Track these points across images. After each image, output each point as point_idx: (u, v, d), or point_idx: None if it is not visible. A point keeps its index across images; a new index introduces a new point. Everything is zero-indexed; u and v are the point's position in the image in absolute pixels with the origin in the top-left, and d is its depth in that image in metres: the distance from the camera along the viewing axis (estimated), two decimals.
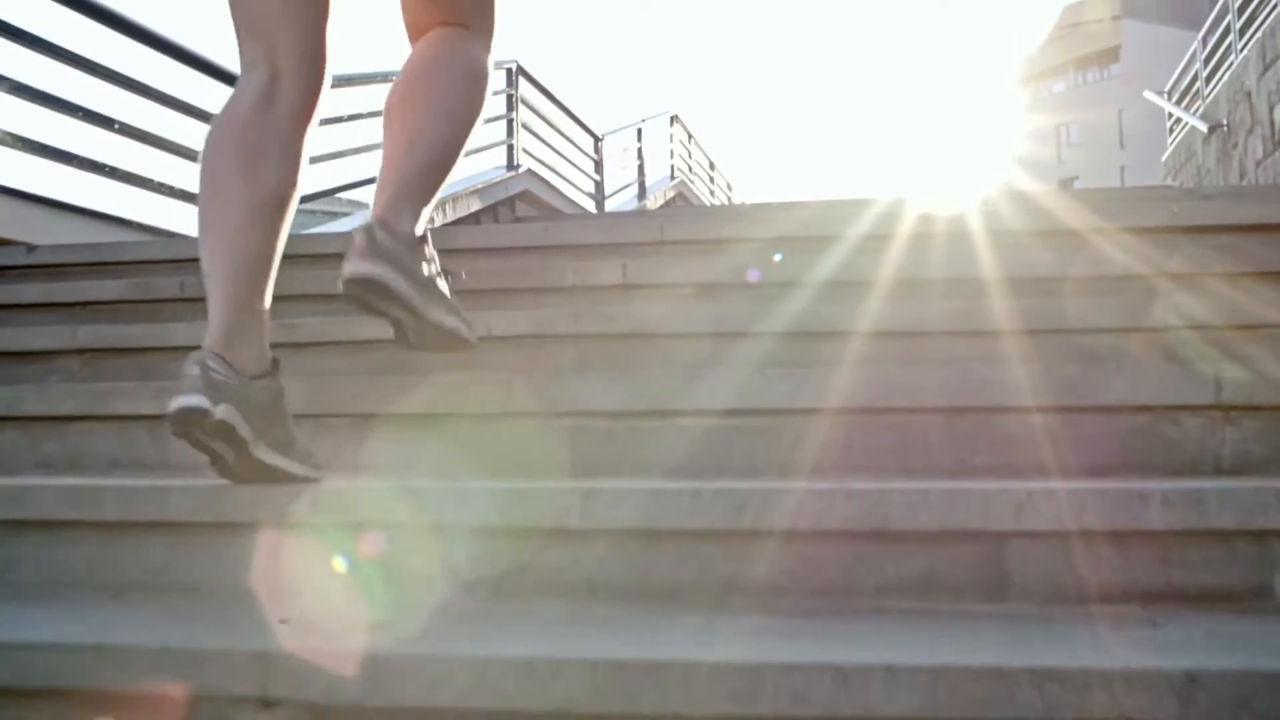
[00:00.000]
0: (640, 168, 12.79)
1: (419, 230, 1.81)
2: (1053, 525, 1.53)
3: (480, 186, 7.86)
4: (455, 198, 7.20)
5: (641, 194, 12.69)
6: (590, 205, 11.00)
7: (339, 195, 6.68)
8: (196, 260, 1.79)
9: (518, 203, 8.73)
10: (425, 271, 1.80)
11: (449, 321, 1.85)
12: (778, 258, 3.41)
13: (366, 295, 1.72)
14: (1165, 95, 13.33)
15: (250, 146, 1.76)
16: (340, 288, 1.72)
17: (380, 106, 1.92)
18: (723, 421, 2.20)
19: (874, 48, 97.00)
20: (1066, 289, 3.01)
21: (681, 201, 14.43)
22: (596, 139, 11.36)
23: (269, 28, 1.80)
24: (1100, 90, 50.59)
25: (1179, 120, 12.70)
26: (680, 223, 4.33)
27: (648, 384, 2.30)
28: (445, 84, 1.87)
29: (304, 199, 1.92)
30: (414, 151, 1.81)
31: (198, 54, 5.62)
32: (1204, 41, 11.20)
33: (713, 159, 17.17)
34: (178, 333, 3.01)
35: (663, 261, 3.68)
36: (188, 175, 5.51)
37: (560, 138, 10.30)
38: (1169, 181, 13.15)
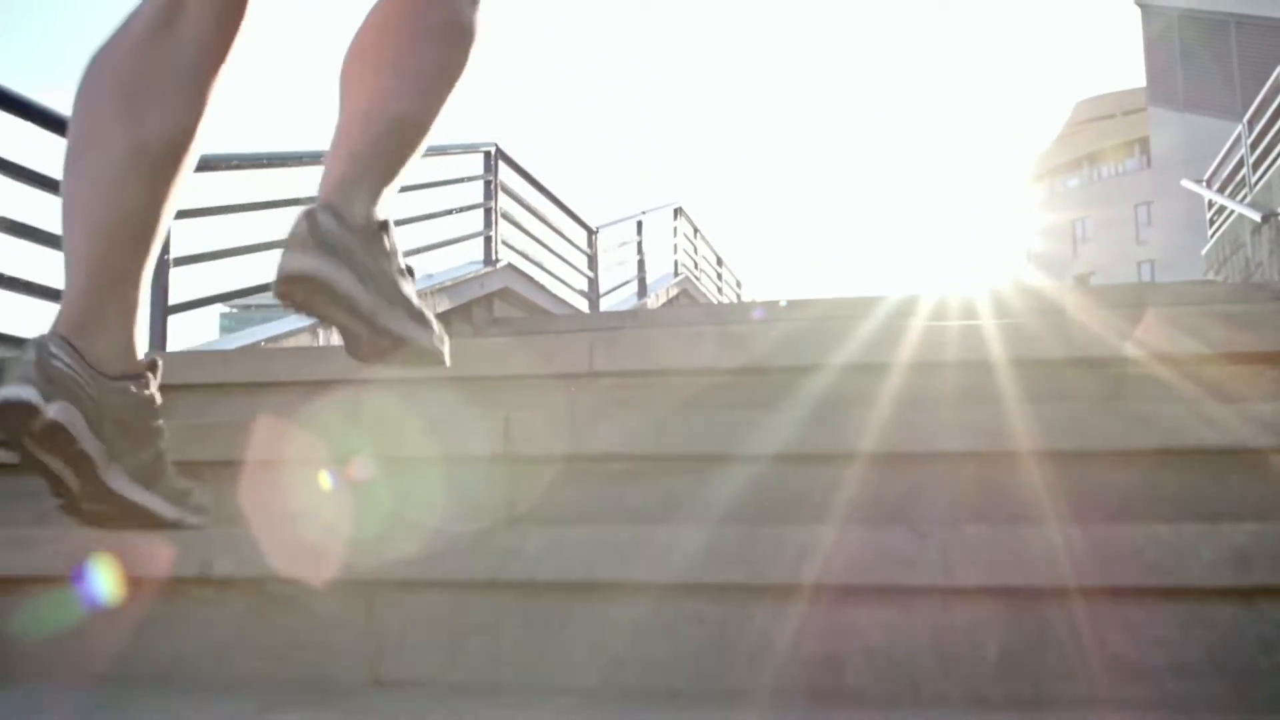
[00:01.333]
0: (640, 263, 11.87)
1: (377, 216, 1.43)
2: None
3: (449, 283, 6.91)
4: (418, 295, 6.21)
5: (642, 291, 11.75)
6: (584, 304, 10.05)
7: None
8: None
9: (496, 301, 7.78)
10: (383, 267, 1.42)
11: (411, 330, 1.46)
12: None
13: (307, 297, 1.35)
14: (1204, 184, 12.43)
15: (134, 77, 1.43)
16: (273, 288, 1.35)
17: None
18: None
19: (886, 144, 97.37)
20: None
21: (686, 299, 13.50)
22: (590, 231, 10.44)
23: None
24: (1116, 185, 50.56)
25: (1221, 210, 11.81)
26: (623, 346, 2.66)
27: None
28: (416, 34, 1.45)
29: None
30: (374, 118, 1.42)
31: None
32: (1249, 125, 10.33)
33: (720, 254, 16.27)
34: None
35: (590, 404, 2.54)
36: None
37: (548, 230, 9.37)
38: (1211, 276, 12.27)
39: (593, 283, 10.39)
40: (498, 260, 7.93)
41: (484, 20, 1.51)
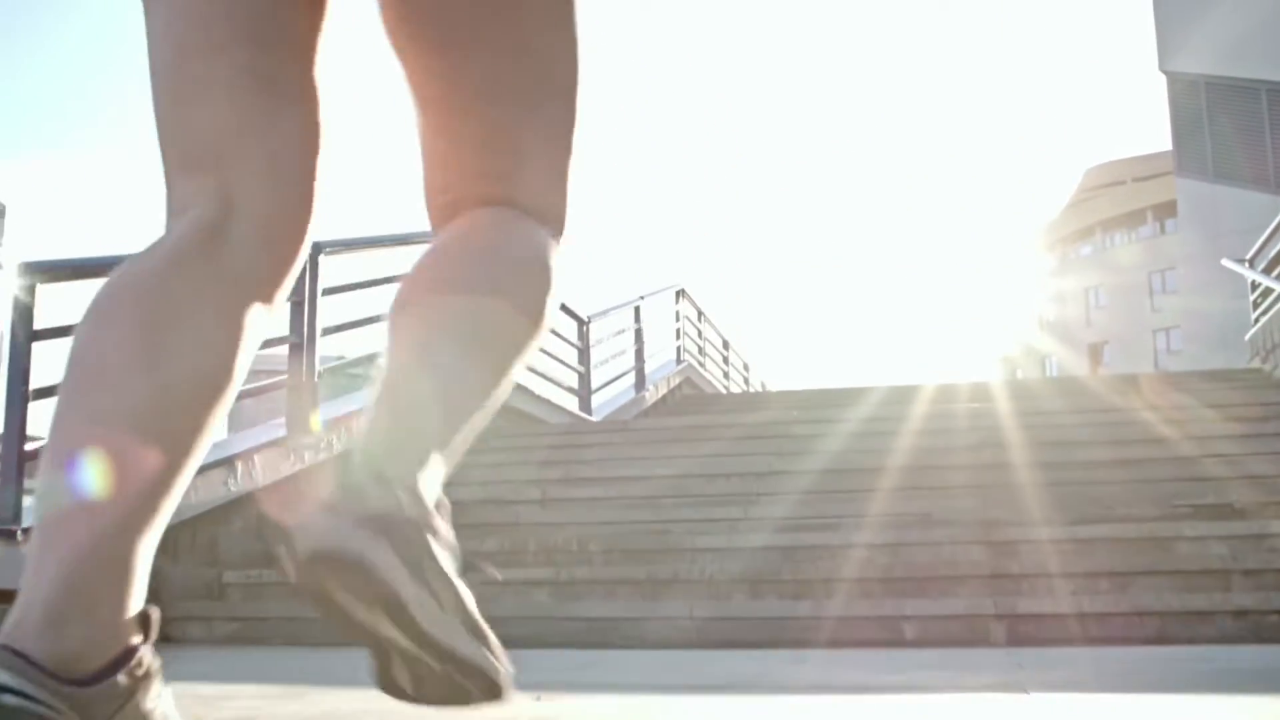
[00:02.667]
0: (639, 352, 10.92)
1: (427, 493, 1.03)
2: None
3: None
4: None
5: (640, 383, 10.81)
6: (573, 403, 9.09)
7: None
8: None
9: None
10: (435, 560, 1.01)
11: (464, 648, 1.01)
12: None
13: (332, 583, 0.96)
14: (1246, 264, 11.50)
15: (165, 301, 1.11)
16: (290, 571, 0.97)
17: None
18: None
19: (894, 215, 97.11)
20: None
21: (689, 388, 12.56)
22: (582, 323, 9.49)
23: (222, 148, 1.17)
24: (1128, 252, 50.02)
25: (1267, 292, 10.86)
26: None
27: None
28: (489, 274, 1.16)
29: None
30: (425, 365, 1.11)
31: None
32: None
33: (727, 337, 15.34)
34: None
35: None
36: None
37: None
38: (1258, 364, 11.31)
39: (584, 378, 9.43)
40: None
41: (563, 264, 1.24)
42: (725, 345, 15.31)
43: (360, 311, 6.09)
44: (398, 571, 0.98)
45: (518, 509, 5.76)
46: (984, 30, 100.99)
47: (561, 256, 1.25)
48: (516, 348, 1.19)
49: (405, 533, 1.00)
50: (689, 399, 12.12)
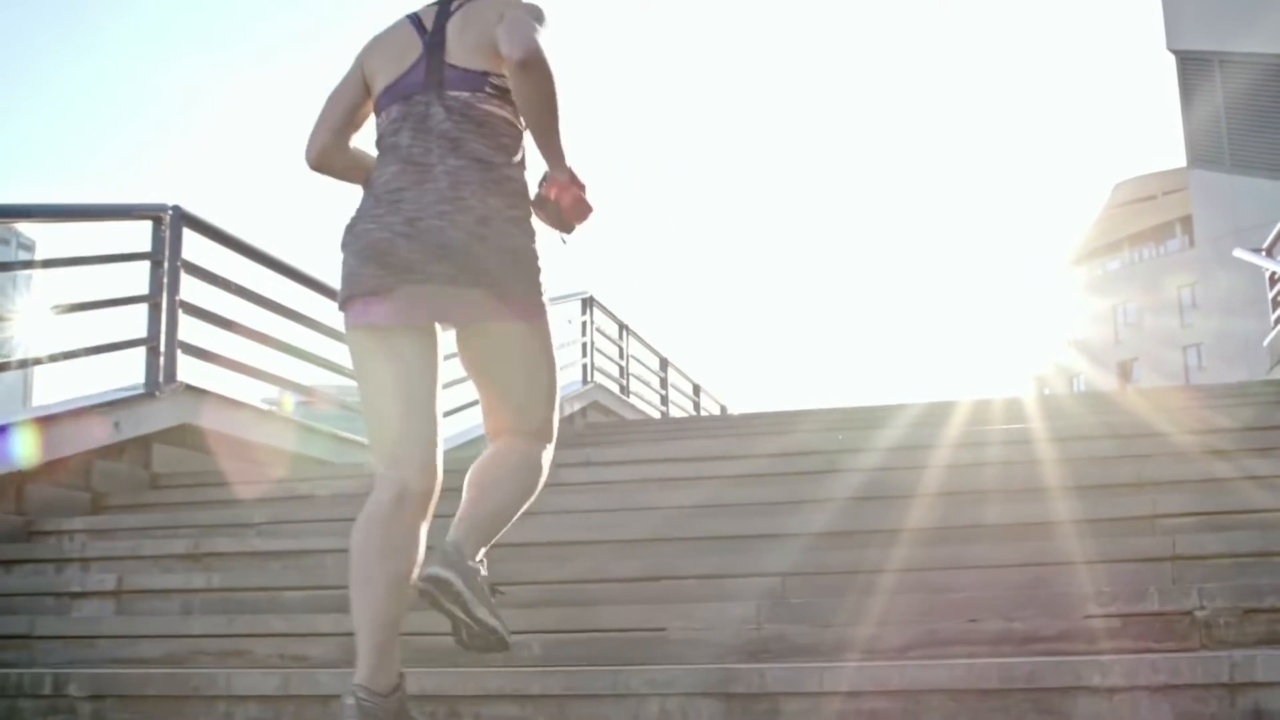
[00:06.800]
0: None
1: (478, 557, 2.57)
2: None
3: None
4: None
5: None
6: None
7: None
8: None
9: None
10: (479, 584, 2.50)
11: (491, 620, 2.51)
12: None
13: (438, 592, 2.45)
14: (1263, 253, 9.47)
15: (389, 539, 2.49)
16: (418, 584, 2.48)
17: None
18: None
19: (916, 233, 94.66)
20: None
21: (598, 413, 10.58)
22: None
23: (397, 455, 2.56)
24: (1158, 266, 48.64)
25: None
26: None
27: None
28: (509, 472, 2.72)
29: None
30: (480, 506, 2.63)
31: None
32: None
33: (666, 356, 13.34)
34: None
35: None
36: None
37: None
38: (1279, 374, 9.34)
39: None
40: None
41: (546, 460, 2.79)
42: (664, 365, 13.31)
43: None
44: (461, 586, 2.45)
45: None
46: (1010, 45, 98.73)
47: (546, 451, 2.78)
48: (522, 502, 2.71)
49: (464, 571, 2.47)
50: (596, 428, 10.13)
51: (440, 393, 2.65)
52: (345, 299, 2.62)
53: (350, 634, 2.51)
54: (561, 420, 9.41)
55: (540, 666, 3.10)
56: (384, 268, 2.53)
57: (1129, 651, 2.86)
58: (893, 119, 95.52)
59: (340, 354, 6.64)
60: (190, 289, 5.49)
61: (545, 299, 2.69)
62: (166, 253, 5.37)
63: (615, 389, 11.52)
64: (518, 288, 2.61)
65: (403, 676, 2.49)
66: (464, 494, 2.64)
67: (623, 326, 11.84)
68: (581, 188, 2.69)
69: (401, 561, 2.46)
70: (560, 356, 9.75)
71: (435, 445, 2.58)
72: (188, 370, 5.49)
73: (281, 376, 6.23)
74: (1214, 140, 17.42)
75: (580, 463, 5.60)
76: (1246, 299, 15.47)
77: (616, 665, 3.00)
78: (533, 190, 2.69)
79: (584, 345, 10.68)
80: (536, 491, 2.72)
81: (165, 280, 5.34)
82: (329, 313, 6.64)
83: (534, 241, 2.65)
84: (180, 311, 5.42)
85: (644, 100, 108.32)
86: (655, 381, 13.06)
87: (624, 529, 4.23)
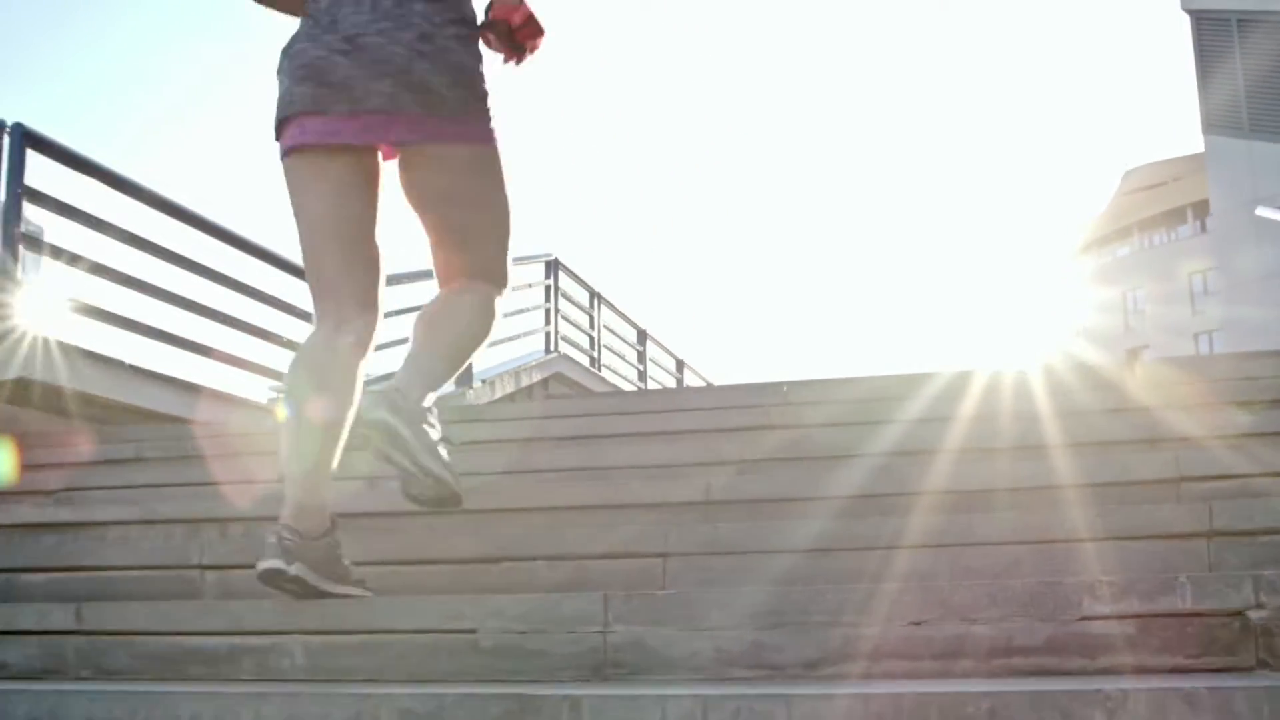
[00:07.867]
0: None
1: (427, 403, 2.36)
2: None
3: None
4: None
5: (466, 379, 7.99)
6: None
7: None
8: None
9: None
10: (430, 435, 2.32)
11: (439, 469, 2.31)
12: None
13: (379, 437, 2.28)
14: None
15: (323, 376, 2.37)
16: (359, 429, 2.32)
17: None
18: None
19: (925, 216, 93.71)
20: None
21: (560, 385, 9.76)
22: None
23: (335, 289, 2.45)
24: (1168, 252, 48.13)
25: None
26: None
27: None
28: (460, 311, 2.54)
29: None
30: (429, 346, 2.46)
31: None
32: None
33: (644, 327, 12.52)
34: None
35: None
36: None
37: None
38: None
39: None
40: None
41: (500, 308, 2.62)
42: (641, 338, 12.48)
43: None
44: (405, 430, 2.27)
45: None
46: (1021, 31, 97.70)
47: (500, 297, 2.61)
48: (474, 347, 2.59)
49: (410, 415, 2.29)
50: (559, 400, 9.30)
51: (383, 225, 2.53)
52: (280, 122, 2.47)
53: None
54: (514, 392, 8.66)
55: (291, 681, 2.25)
56: (322, 85, 2.40)
57: (1151, 671, 1.89)
58: (902, 107, 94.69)
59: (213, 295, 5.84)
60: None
61: (493, 124, 2.51)
62: (4, 178, 4.55)
63: (585, 361, 10.70)
64: (461, 106, 2.45)
65: (334, 522, 2.37)
66: (411, 335, 2.48)
67: (594, 295, 11.05)
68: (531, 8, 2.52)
69: (335, 401, 2.34)
70: (523, 322, 8.70)
71: (376, 277, 2.49)
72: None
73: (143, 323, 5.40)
74: (1231, 104, 16.48)
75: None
76: (1263, 277, 14.65)
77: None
78: (481, 17, 2.53)
79: (547, 311, 9.87)
80: (489, 338, 2.58)
81: (1, 209, 4.52)
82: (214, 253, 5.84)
83: (480, 64, 2.51)
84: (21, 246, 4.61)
85: (644, 100, 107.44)
86: (632, 355, 12.25)
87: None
